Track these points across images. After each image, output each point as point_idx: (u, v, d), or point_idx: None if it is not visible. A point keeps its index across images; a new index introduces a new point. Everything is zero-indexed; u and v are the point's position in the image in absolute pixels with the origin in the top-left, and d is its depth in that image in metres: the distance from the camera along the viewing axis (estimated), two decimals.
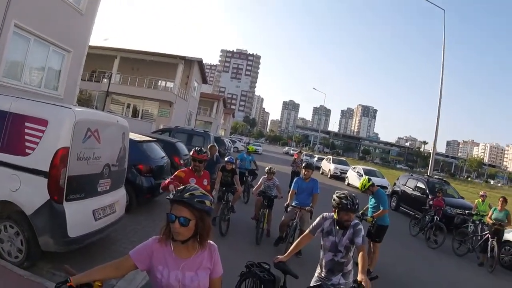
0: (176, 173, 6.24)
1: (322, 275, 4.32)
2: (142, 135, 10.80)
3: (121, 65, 34.92)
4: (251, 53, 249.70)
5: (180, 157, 12.81)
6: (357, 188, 8.24)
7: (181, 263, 2.48)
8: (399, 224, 14.90)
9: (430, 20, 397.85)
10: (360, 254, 4.04)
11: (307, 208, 8.29)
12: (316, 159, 44.09)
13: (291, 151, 66.08)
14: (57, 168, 4.90)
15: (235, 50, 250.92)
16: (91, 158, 5.47)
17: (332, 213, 4.29)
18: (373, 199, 8.31)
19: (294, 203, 8.55)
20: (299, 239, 4.53)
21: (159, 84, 36.96)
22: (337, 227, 4.23)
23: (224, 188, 9.58)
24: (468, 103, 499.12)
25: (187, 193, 2.42)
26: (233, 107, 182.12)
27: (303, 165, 9.03)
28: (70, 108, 5.26)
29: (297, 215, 8.39)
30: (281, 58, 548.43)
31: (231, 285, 4.67)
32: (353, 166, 31.27)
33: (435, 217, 12.82)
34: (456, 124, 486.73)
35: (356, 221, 4.32)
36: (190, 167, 6.44)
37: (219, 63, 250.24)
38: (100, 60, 33.56)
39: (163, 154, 10.54)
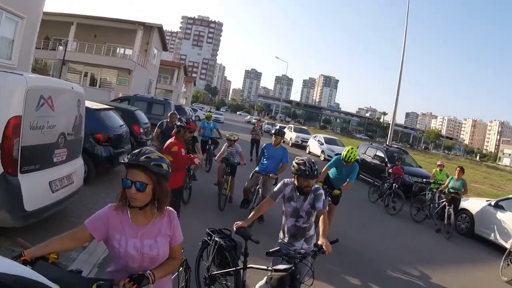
0: (169, 147, 6.06)
1: (285, 240, 4.36)
2: (100, 103, 10.44)
3: (78, 32, 33.45)
4: (213, 20, 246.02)
5: (140, 125, 12.48)
6: (318, 156, 8.21)
7: (139, 230, 2.38)
8: (359, 191, 15.19)
9: None
10: (321, 218, 4.07)
11: (271, 175, 8.27)
12: (277, 127, 44.06)
13: (253, 120, 66.01)
14: (10, 138, 4.62)
15: (196, 17, 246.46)
16: (45, 127, 5.20)
17: (293, 179, 4.27)
18: (335, 169, 8.23)
19: (258, 169, 8.54)
20: (259, 204, 4.56)
21: (117, 51, 35.62)
22: (298, 193, 4.23)
23: None
24: (428, 77, 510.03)
25: (143, 156, 2.29)
26: (194, 75, 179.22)
27: (273, 131, 8.97)
28: (22, 75, 4.93)
29: (260, 182, 8.39)
30: (244, 27, 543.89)
31: (194, 254, 4.64)
32: (314, 135, 31.55)
33: (394, 185, 13.18)
34: (416, 96, 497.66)
35: (317, 186, 4.35)
36: (179, 140, 6.28)
37: (180, 30, 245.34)
38: (56, 27, 32.09)
39: (121, 122, 10.23)
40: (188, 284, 3.97)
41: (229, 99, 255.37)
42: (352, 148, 7.94)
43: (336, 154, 8.39)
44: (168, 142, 6.29)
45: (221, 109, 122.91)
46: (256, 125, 20.52)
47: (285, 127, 41.19)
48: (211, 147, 14.04)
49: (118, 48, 35.47)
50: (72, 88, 6.08)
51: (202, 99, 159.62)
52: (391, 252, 8.57)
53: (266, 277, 3.82)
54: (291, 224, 4.31)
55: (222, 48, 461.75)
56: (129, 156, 2.33)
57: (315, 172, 4.11)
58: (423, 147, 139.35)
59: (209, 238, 4.45)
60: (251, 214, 4.42)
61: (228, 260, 4.26)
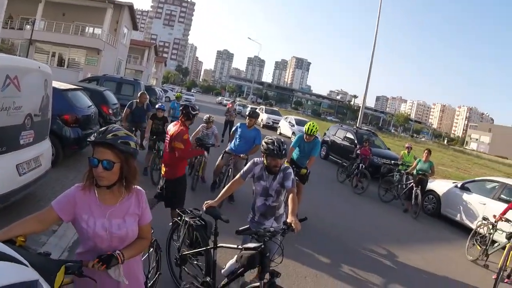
0: (181, 135, 5.73)
1: (255, 219, 4.41)
2: (68, 84, 10.20)
3: (46, 10, 32.34)
4: None
5: (109, 106, 12.26)
6: (289, 137, 8.28)
7: (107, 210, 2.36)
8: (328, 172, 15.51)
9: None
10: (290, 196, 4.12)
11: (241, 155, 8.30)
12: (249, 109, 44.07)
13: (225, 101, 65.71)
14: None
15: None
16: (11, 108, 5.04)
17: (263, 159, 4.30)
18: (297, 149, 8.33)
19: (229, 148, 8.56)
20: (229, 184, 4.53)
21: (86, 30, 34.78)
22: (267, 172, 4.27)
23: (154, 137, 9.45)
24: (400, 62, 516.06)
25: (110, 134, 2.26)
26: (165, 55, 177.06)
27: (247, 113, 8.97)
28: None
29: (232, 162, 8.41)
30: (217, 7, 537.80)
31: (165, 236, 4.65)
32: (285, 116, 31.72)
33: (361, 165, 13.42)
34: (387, 80, 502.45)
35: (286, 165, 4.38)
36: (186, 126, 5.99)
37: (151, 9, 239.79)
38: (23, 5, 31.16)
39: (90, 103, 10.01)
40: (159, 265, 3.97)
41: (201, 80, 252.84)
42: (313, 123, 8.19)
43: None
44: (178, 128, 5.89)
45: (192, 90, 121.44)
46: (229, 106, 20.51)
47: (256, 109, 41.34)
48: None
49: (87, 27, 34.66)
50: (39, 67, 5.91)
51: (173, 80, 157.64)
52: (359, 231, 8.77)
53: (236, 255, 3.84)
54: (261, 203, 4.36)
55: (194, 28, 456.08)
56: (95, 134, 2.30)
57: (283, 152, 4.14)
58: (392, 130, 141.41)
59: (179, 218, 4.46)
60: (221, 193, 4.42)
61: (198, 240, 4.30)
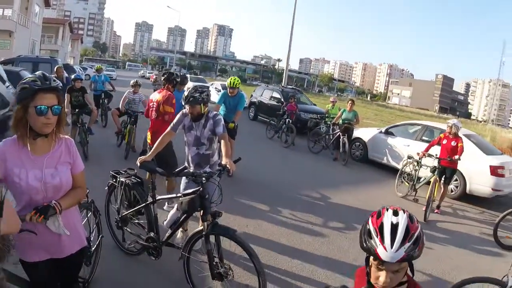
0: (170, 99, 6.31)
1: (191, 170, 4.42)
2: None
3: None
4: None
5: None
6: (214, 103, 8.35)
7: (39, 160, 2.35)
8: (258, 131, 15.79)
9: None
10: (222, 142, 4.22)
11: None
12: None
13: (147, 74, 64.26)
14: None
15: None
16: None
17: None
18: (223, 106, 8.54)
19: None
20: (161, 137, 4.49)
21: None
22: (193, 121, 4.34)
23: (77, 110, 8.90)
24: (321, 22, 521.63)
25: (49, 81, 2.27)
26: (80, 32, 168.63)
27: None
28: None
29: None
30: None
31: (103, 200, 4.59)
32: (211, 83, 31.54)
33: (288, 120, 13.81)
34: (309, 42, 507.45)
35: (215, 112, 4.47)
36: (171, 91, 6.52)
37: None
38: None
39: (7, 83, 9.49)
40: (99, 227, 3.87)
41: (120, 55, 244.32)
42: (234, 77, 8.71)
43: None
44: (165, 93, 6.37)
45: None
46: (152, 78, 20.40)
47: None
48: (105, 101, 13.48)
49: None
50: None
51: (92, 57, 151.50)
52: (293, 181, 9.11)
53: (176, 204, 3.89)
54: (194, 153, 4.42)
55: (110, 1, 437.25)
56: (38, 82, 2.23)
57: (204, 98, 4.22)
58: (317, 90, 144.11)
59: (114, 180, 4.41)
60: (154, 147, 4.41)
61: (137, 198, 4.28)
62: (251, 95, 21.75)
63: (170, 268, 4.24)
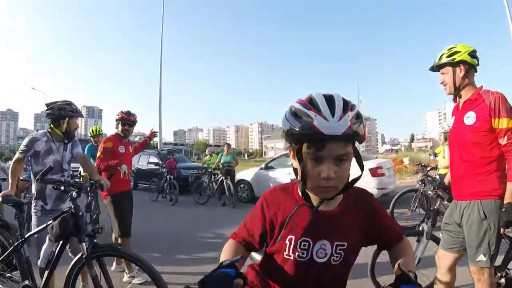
0: (102, 145, 5.14)
1: (48, 207, 3.76)
2: None
3: None
4: None
5: None
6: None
7: None
8: (141, 198, 14.94)
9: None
10: (84, 163, 4.05)
11: None
12: None
13: None
14: None
15: None
16: None
17: (43, 130, 3.86)
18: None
19: None
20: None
21: None
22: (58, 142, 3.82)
23: None
24: (186, 96, 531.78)
25: None
26: None
27: None
28: None
29: None
30: None
31: None
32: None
33: (169, 177, 13.44)
34: (179, 116, 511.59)
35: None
36: (115, 134, 5.38)
37: None
38: None
39: None
40: None
41: None
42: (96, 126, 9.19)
43: None
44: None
45: None
46: None
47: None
48: None
49: None
50: None
51: None
52: (186, 229, 8.84)
53: (48, 234, 3.19)
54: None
55: None
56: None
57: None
58: (196, 158, 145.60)
59: None
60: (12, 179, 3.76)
61: (5, 245, 3.62)
62: None
63: None
